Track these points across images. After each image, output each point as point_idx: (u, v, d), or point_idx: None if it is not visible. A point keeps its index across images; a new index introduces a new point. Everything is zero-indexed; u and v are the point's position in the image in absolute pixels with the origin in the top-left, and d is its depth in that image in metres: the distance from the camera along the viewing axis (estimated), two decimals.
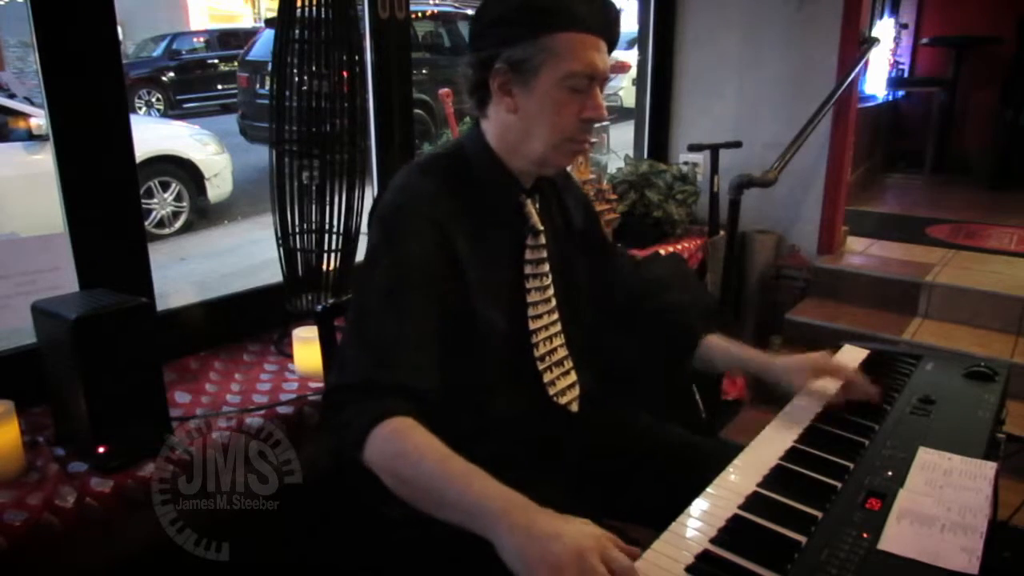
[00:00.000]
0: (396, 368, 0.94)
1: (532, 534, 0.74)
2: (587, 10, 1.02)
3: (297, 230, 1.68)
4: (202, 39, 10.04)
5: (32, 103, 4.15)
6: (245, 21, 14.28)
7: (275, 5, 1.59)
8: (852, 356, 1.40)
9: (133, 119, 1.53)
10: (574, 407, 1.16)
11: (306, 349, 1.62)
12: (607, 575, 0.70)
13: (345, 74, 1.61)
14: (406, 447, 0.88)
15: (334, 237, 1.69)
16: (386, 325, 0.97)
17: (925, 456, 1.00)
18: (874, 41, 3.07)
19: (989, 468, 0.96)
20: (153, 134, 5.11)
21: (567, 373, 1.17)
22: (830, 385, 1.18)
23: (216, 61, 9.55)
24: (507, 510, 0.77)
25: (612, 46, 1.08)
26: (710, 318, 1.31)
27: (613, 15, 1.06)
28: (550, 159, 1.09)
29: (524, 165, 1.11)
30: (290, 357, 1.70)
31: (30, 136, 4.03)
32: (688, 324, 1.28)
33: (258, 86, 6.45)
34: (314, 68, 1.58)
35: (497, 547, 0.76)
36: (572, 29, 1.01)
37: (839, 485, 0.94)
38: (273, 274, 1.80)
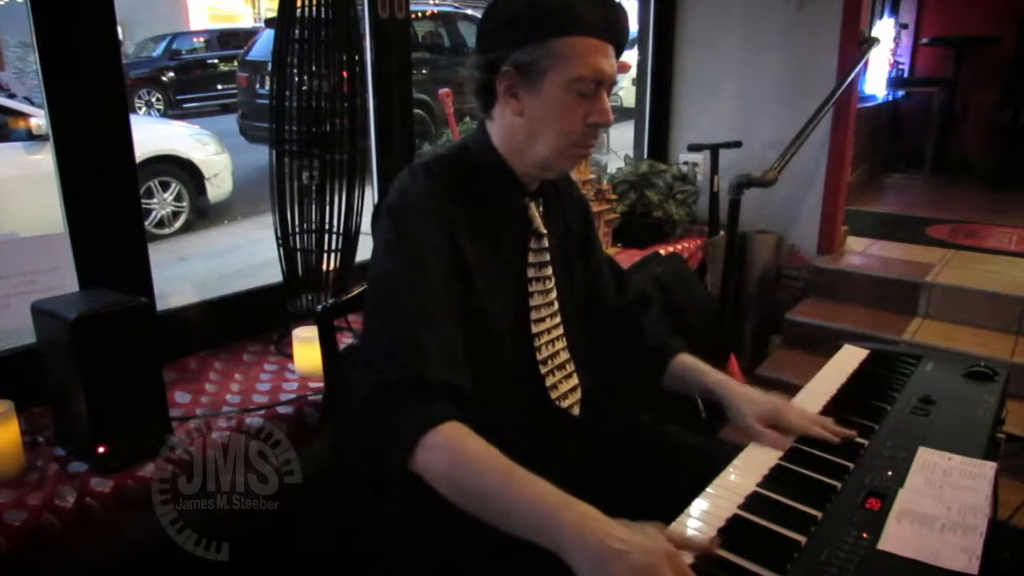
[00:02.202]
0: (433, 364, 0.93)
1: (605, 548, 0.74)
2: (595, 14, 1.02)
3: (297, 230, 1.68)
4: (202, 39, 10.03)
5: (32, 103, 4.15)
6: (245, 21, 14.26)
7: (275, 5, 1.59)
8: (852, 356, 1.40)
9: (133, 119, 1.53)
10: (575, 410, 1.16)
11: (306, 349, 1.62)
12: None
13: (345, 74, 1.61)
14: (464, 457, 0.87)
15: (334, 237, 1.69)
16: (416, 320, 0.96)
17: (925, 456, 1.00)
18: (874, 41, 3.07)
19: (989, 468, 0.96)
20: (153, 134, 5.10)
21: (569, 376, 1.17)
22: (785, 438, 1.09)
23: (216, 61, 9.54)
24: (581, 524, 0.77)
25: (620, 50, 1.07)
26: (701, 330, 1.29)
27: (621, 20, 1.06)
28: (554, 163, 1.09)
29: (528, 168, 1.10)
30: (290, 357, 1.70)
31: (30, 136, 4.03)
32: (654, 349, 1.28)
33: (258, 86, 6.44)
34: (314, 68, 1.58)
35: (569, 560, 0.76)
36: (580, 33, 1.01)
37: (839, 485, 0.94)
38: (273, 274, 1.80)
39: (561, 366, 1.16)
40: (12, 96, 4.44)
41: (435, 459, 0.88)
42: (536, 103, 1.04)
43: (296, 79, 1.59)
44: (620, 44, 1.07)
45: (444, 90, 2.54)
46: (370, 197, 1.73)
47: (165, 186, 4.99)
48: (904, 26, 5.92)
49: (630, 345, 1.30)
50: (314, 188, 1.65)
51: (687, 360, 1.26)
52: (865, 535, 0.83)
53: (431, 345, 0.95)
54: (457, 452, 0.88)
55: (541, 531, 0.79)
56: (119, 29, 1.47)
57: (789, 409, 1.11)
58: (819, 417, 1.12)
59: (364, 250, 1.12)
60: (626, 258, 2.64)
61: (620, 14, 1.06)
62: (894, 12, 5.67)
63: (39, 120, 3.94)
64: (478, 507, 0.86)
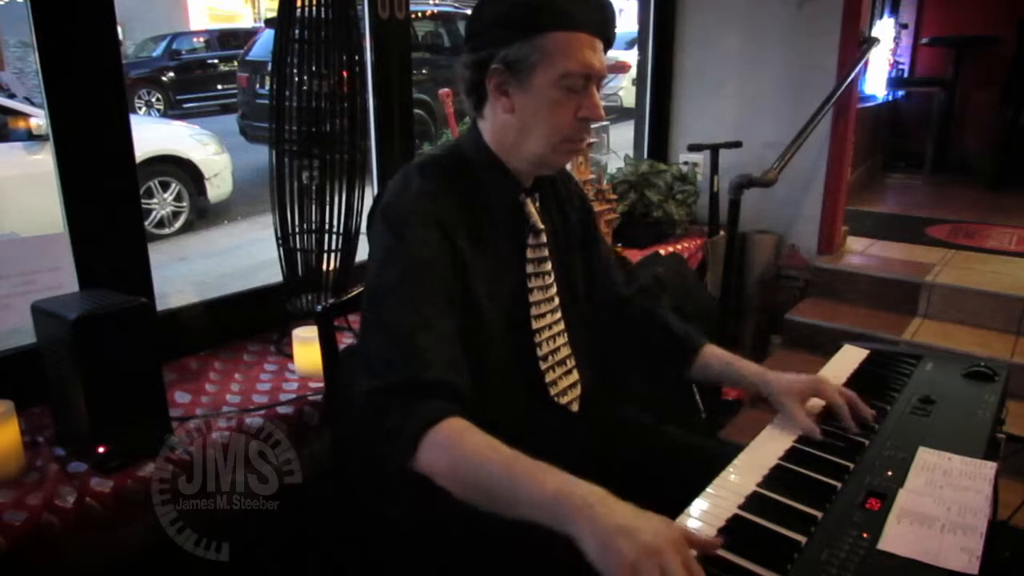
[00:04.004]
0: (432, 365, 0.94)
1: (613, 526, 0.74)
2: (582, 9, 1.02)
3: (297, 230, 1.68)
4: (202, 39, 10.05)
5: (32, 103, 4.15)
6: (245, 21, 14.28)
7: (275, 5, 1.59)
8: (852, 356, 1.40)
9: (133, 119, 1.53)
10: (575, 407, 1.16)
11: (306, 349, 1.62)
12: (684, 574, 0.71)
13: (345, 74, 1.61)
14: (465, 451, 0.88)
15: (334, 237, 1.69)
16: (413, 323, 0.96)
17: (925, 456, 1.00)
18: (874, 41, 3.07)
19: (989, 468, 0.96)
20: (153, 134, 5.10)
21: (568, 373, 1.17)
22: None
23: (216, 61, 9.55)
24: (588, 503, 0.78)
25: (608, 45, 1.07)
26: (703, 329, 1.29)
27: (609, 14, 1.06)
28: (547, 159, 1.09)
29: (522, 165, 1.11)
30: (290, 357, 1.70)
31: (30, 136, 4.03)
32: (682, 339, 1.27)
33: (258, 86, 6.45)
34: (314, 68, 1.58)
35: (577, 539, 0.76)
36: (567, 28, 1.01)
37: (839, 485, 0.94)
38: (273, 274, 1.80)
39: (561, 362, 1.16)
40: (12, 96, 4.43)
41: (438, 456, 0.88)
42: (526, 100, 1.04)
43: (296, 79, 1.59)
44: (608, 38, 1.07)
45: (444, 90, 2.54)
46: (370, 197, 1.73)
47: (165, 186, 4.99)
48: (904, 26, 5.92)
49: (651, 335, 1.29)
50: (314, 188, 1.65)
51: (716, 351, 1.26)
52: (865, 535, 0.83)
53: (428, 349, 0.95)
54: (458, 447, 0.88)
55: (549, 514, 0.79)
56: (119, 29, 1.46)
57: (826, 384, 1.13)
58: (851, 394, 1.14)
59: (364, 250, 1.12)
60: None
61: (607, 8, 1.06)
62: (894, 12, 5.67)
63: (39, 120, 3.93)
64: (484, 498, 0.86)
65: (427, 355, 0.94)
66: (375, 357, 0.98)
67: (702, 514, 0.90)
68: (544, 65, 1.01)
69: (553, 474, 0.82)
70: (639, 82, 3.38)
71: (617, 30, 1.10)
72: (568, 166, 1.30)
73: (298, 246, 1.69)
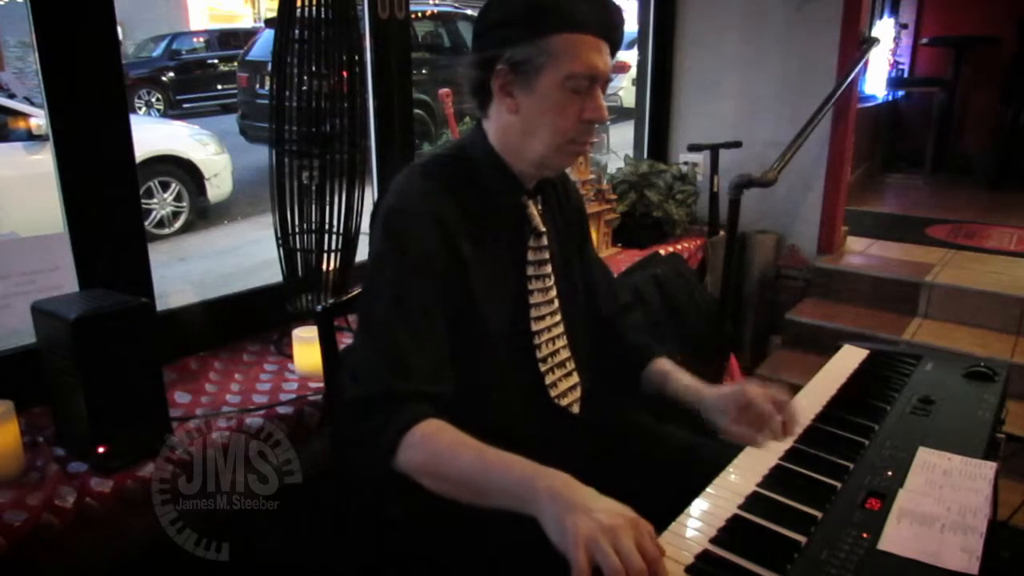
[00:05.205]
0: (414, 376, 0.96)
1: (572, 504, 0.77)
2: (589, 11, 1.02)
3: (297, 230, 1.68)
4: (202, 39, 10.03)
5: (32, 103, 4.15)
6: (245, 21, 14.26)
7: (275, 5, 1.59)
8: (852, 356, 1.40)
9: (133, 119, 1.53)
10: (575, 409, 1.16)
11: (306, 349, 1.62)
12: (637, 557, 0.72)
13: (345, 74, 1.61)
14: (439, 447, 0.91)
15: (334, 237, 1.69)
16: (399, 331, 0.98)
17: (925, 456, 1.00)
18: (874, 41, 3.07)
19: (989, 468, 0.96)
20: (153, 134, 5.10)
21: (569, 375, 1.17)
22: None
23: (216, 61, 9.54)
24: (551, 484, 0.80)
25: (615, 48, 1.07)
26: (702, 329, 1.29)
27: (615, 17, 1.06)
28: (550, 160, 1.09)
29: (525, 166, 1.11)
30: (290, 357, 1.70)
31: (30, 136, 4.03)
32: (637, 346, 1.28)
33: (258, 86, 6.44)
34: (314, 68, 1.58)
35: (540, 520, 0.79)
36: (573, 30, 1.01)
37: (839, 485, 0.94)
38: (273, 274, 1.80)
39: (561, 364, 1.16)
40: (12, 96, 4.43)
41: (414, 454, 0.92)
42: (531, 101, 1.04)
43: (296, 79, 1.59)
44: (615, 41, 1.07)
45: (444, 90, 2.54)
46: (370, 197, 1.73)
47: (165, 186, 4.99)
48: (904, 26, 5.92)
49: (612, 347, 1.30)
50: (314, 188, 1.65)
51: (664, 364, 1.25)
52: (865, 535, 0.83)
53: (413, 359, 0.97)
54: (433, 443, 0.92)
55: (516, 498, 0.82)
56: (119, 29, 1.46)
57: (750, 391, 1.07)
58: (779, 406, 1.07)
59: (364, 250, 1.12)
60: (626, 258, 2.64)
61: (614, 11, 1.06)
62: (894, 12, 5.67)
63: (39, 120, 3.93)
64: (457, 490, 0.89)
65: (410, 368, 0.96)
66: (360, 364, 1.00)
67: (702, 514, 0.90)
68: (549, 66, 1.01)
69: (520, 462, 0.85)
70: (639, 82, 3.38)
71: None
72: (568, 169, 1.29)
73: (298, 246, 1.69)
